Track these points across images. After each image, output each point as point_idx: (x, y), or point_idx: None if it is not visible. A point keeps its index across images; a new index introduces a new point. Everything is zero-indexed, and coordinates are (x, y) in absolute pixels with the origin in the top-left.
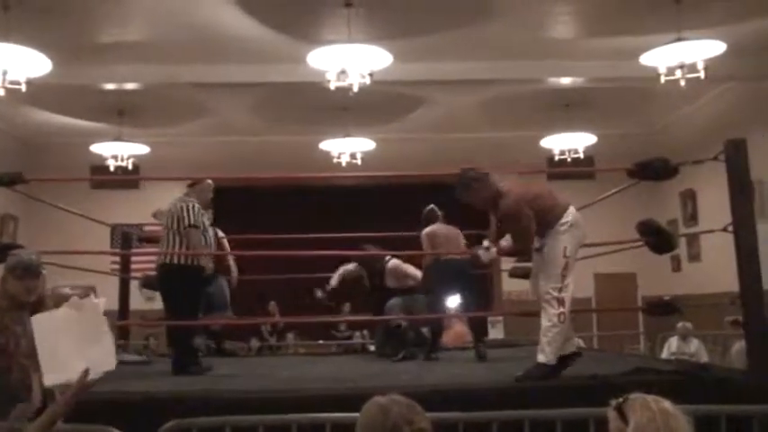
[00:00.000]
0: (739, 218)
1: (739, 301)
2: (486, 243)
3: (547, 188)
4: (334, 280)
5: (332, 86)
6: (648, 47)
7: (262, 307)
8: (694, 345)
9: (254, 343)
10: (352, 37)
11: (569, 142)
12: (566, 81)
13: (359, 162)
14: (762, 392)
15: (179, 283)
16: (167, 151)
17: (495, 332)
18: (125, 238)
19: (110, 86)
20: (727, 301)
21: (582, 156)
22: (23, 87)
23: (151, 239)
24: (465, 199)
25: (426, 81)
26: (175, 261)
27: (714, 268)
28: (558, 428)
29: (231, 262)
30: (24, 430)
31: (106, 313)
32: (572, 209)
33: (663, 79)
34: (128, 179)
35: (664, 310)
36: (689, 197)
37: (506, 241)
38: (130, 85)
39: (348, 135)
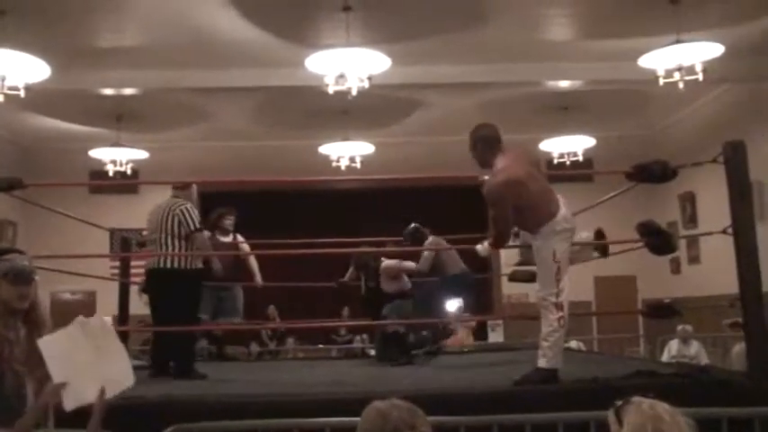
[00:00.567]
0: (739, 220)
1: (739, 303)
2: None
3: (545, 186)
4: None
5: (330, 90)
6: (646, 49)
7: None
8: (694, 347)
9: (254, 348)
10: (351, 41)
11: (568, 145)
12: (564, 84)
13: (358, 166)
14: (763, 394)
15: (179, 288)
16: (166, 156)
17: (495, 335)
18: (124, 243)
19: (108, 92)
20: (726, 304)
21: (581, 158)
22: (22, 93)
23: None
24: (472, 154)
25: (424, 84)
26: (175, 265)
27: (714, 270)
28: None
29: (253, 265)
30: None
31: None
32: (563, 211)
33: (661, 81)
34: (126, 184)
35: (664, 313)
36: (688, 199)
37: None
38: (129, 91)
39: (347, 139)
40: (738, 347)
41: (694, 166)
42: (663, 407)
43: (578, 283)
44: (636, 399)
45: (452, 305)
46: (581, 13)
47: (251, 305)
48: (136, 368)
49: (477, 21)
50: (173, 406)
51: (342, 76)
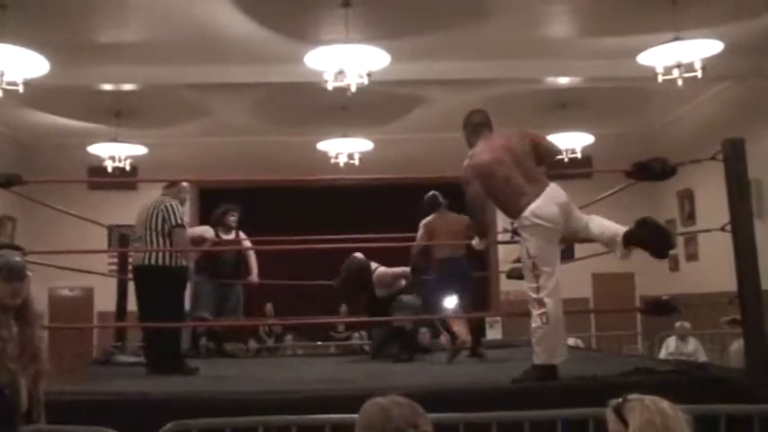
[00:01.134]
0: (737, 217)
1: (737, 300)
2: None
3: (516, 176)
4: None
5: (329, 87)
6: (646, 46)
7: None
8: (692, 344)
9: (253, 344)
10: (350, 37)
11: (567, 142)
12: (563, 81)
13: (357, 162)
14: (760, 391)
15: (163, 284)
16: (165, 152)
17: (494, 332)
18: (122, 240)
19: (107, 87)
20: (724, 301)
21: (579, 156)
22: (21, 88)
23: None
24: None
25: (424, 81)
26: (160, 262)
27: (712, 268)
28: (558, 429)
29: (253, 262)
30: None
31: (105, 315)
32: (536, 205)
33: (660, 79)
34: (125, 181)
35: (662, 310)
36: (686, 197)
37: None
38: (128, 86)
39: (346, 135)
40: (736, 345)
41: (693, 163)
42: (665, 403)
43: (576, 280)
44: (634, 396)
45: (450, 302)
46: (581, 10)
47: (249, 303)
48: (135, 365)
49: (477, 17)
50: (171, 402)
51: (341, 72)
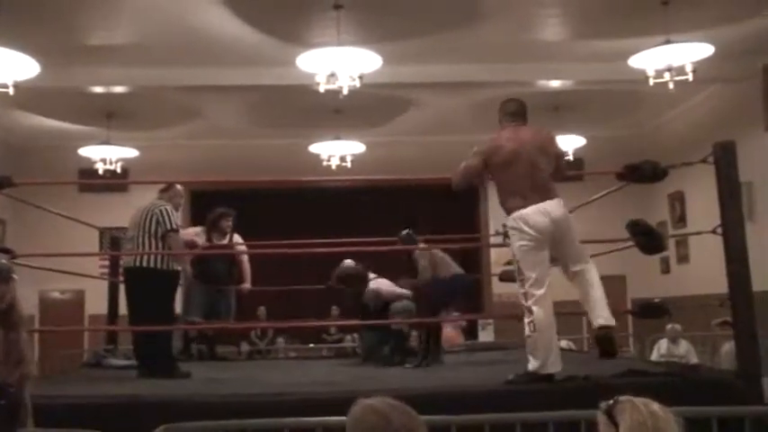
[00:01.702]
0: (728, 220)
1: (728, 302)
2: None
3: (513, 178)
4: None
5: (321, 89)
6: (637, 49)
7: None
8: (684, 346)
9: (245, 347)
10: (342, 40)
11: (559, 145)
12: (555, 83)
13: (349, 165)
14: (751, 393)
15: (154, 287)
16: (156, 155)
17: (486, 335)
18: (114, 242)
19: (98, 89)
20: (715, 303)
21: (571, 158)
22: (11, 90)
23: None
24: None
25: (416, 84)
26: (151, 264)
27: (703, 270)
28: (550, 431)
29: (246, 267)
30: None
31: (96, 317)
32: (526, 210)
33: (651, 82)
34: (116, 183)
35: (653, 313)
36: (677, 199)
37: None
38: (119, 89)
39: (338, 138)
40: (727, 346)
41: (684, 166)
42: (656, 405)
43: (568, 283)
44: (625, 398)
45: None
46: (572, 13)
47: (241, 306)
48: (127, 368)
49: (469, 20)
50: (163, 405)
51: (333, 75)
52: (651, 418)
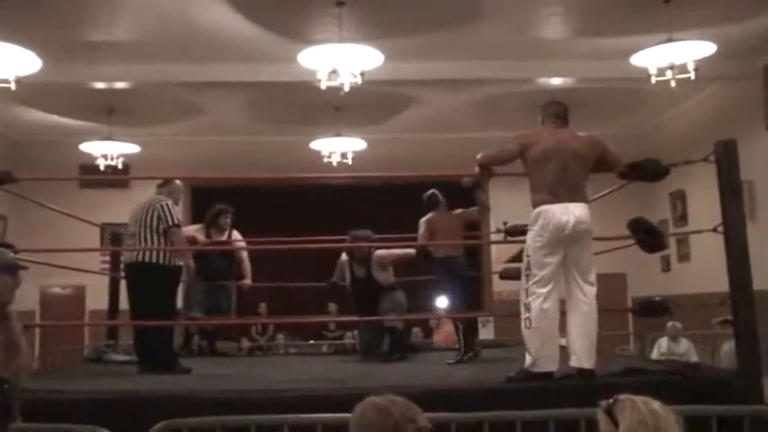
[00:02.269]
0: (729, 218)
1: (729, 301)
2: None
3: (543, 174)
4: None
5: (323, 86)
6: (639, 47)
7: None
8: (684, 345)
9: (245, 343)
10: (344, 36)
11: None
12: (556, 81)
13: (350, 162)
14: (752, 392)
15: (155, 282)
16: (157, 150)
17: (486, 332)
18: (114, 238)
19: (100, 85)
20: (716, 302)
21: None
22: (13, 86)
23: None
24: None
25: (417, 81)
26: (153, 260)
27: (704, 269)
28: (551, 429)
29: (246, 264)
30: None
31: (96, 313)
32: (551, 206)
33: (653, 80)
34: (117, 179)
35: (654, 311)
36: (679, 198)
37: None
38: (120, 84)
39: (339, 134)
40: (728, 345)
41: (686, 164)
42: (656, 403)
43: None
44: (625, 396)
45: (441, 302)
46: (573, 11)
47: (242, 303)
48: (127, 363)
49: (471, 18)
50: (163, 401)
51: (334, 71)
52: (651, 416)
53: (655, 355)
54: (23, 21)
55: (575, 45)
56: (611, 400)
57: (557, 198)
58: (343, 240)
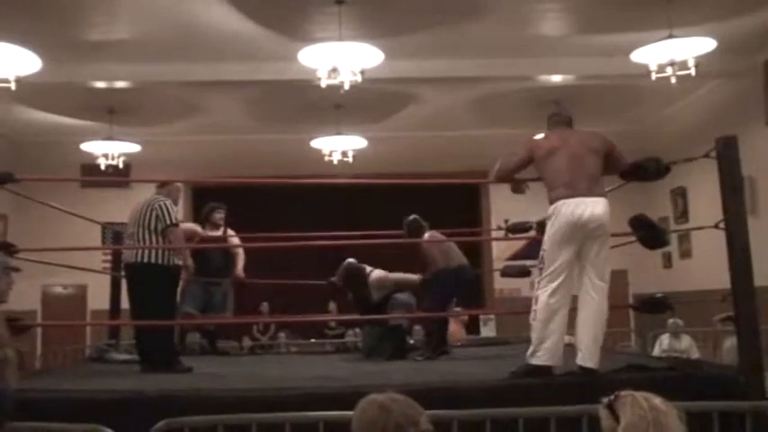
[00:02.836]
0: (730, 215)
1: (730, 297)
2: None
3: (560, 173)
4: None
5: (323, 84)
6: (639, 44)
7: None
8: (685, 341)
9: (246, 342)
10: (344, 35)
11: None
12: (556, 78)
13: (350, 160)
14: (753, 389)
15: (155, 282)
16: (158, 150)
17: (487, 330)
18: (116, 237)
19: (100, 85)
20: (718, 298)
21: None
22: (13, 86)
23: None
24: None
25: (417, 79)
26: (153, 260)
27: (705, 265)
28: (552, 426)
29: (240, 258)
30: None
31: (98, 312)
32: (570, 200)
33: (654, 76)
34: (118, 180)
35: (655, 308)
36: (680, 194)
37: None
38: (121, 84)
39: (339, 133)
40: (729, 342)
41: (687, 161)
42: (658, 399)
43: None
44: (626, 392)
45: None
46: (573, 7)
47: (244, 301)
48: (128, 362)
49: (470, 15)
50: (165, 400)
51: (334, 69)
52: (652, 412)
53: (656, 351)
54: (24, 21)
55: (574, 42)
56: (613, 397)
57: (573, 192)
58: (342, 239)
